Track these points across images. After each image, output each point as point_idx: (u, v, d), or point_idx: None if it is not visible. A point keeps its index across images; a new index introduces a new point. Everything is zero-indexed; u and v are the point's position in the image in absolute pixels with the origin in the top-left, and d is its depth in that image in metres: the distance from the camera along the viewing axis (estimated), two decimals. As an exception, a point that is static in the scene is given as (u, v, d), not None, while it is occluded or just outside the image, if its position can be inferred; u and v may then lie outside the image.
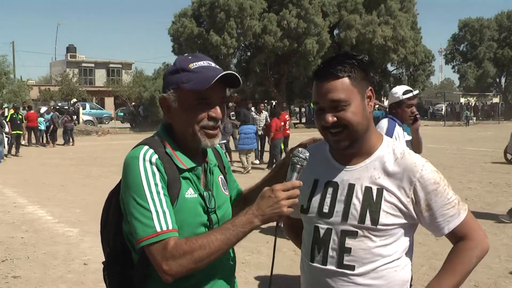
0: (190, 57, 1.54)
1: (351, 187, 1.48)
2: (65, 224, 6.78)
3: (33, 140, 19.85)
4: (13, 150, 16.44)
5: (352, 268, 1.47)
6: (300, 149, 1.47)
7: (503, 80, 51.67)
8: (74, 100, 34.54)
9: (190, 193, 1.49)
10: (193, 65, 1.49)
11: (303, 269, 1.61)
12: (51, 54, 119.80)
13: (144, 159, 1.44)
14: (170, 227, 1.39)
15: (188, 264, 1.36)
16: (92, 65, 49.46)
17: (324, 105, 1.44)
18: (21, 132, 17.12)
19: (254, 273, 4.69)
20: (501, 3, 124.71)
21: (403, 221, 1.47)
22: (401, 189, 1.46)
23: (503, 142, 20.01)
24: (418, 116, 3.69)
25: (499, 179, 10.40)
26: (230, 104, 16.42)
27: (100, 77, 48.75)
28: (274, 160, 11.88)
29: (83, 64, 48.68)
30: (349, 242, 1.47)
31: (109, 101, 43.22)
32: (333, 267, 1.49)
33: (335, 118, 1.43)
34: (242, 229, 1.37)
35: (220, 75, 1.45)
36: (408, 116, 3.63)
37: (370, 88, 1.50)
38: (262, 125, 13.36)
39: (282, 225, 1.42)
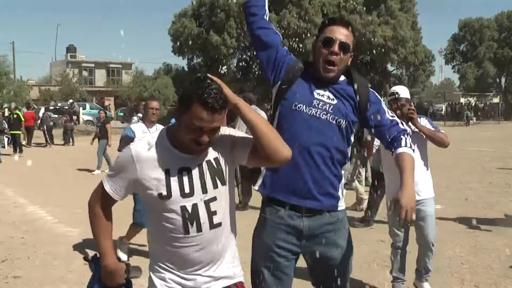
0: None
1: (200, 167, 1.85)
2: (66, 224, 6.77)
3: (32, 140, 19.85)
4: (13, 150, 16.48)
5: (220, 225, 1.88)
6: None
7: (503, 80, 51.63)
8: (71, 101, 34.51)
9: None
10: None
11: (172, 245, 1.86)
12: (51, 54, 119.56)
13: None
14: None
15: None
16: (92, 65, 49.37)
17: (207, 129, 1.73)
18: (18, 132, 16.91)
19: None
20: (501, 3, 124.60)
21: (232, 171, 1.93)
22: (220, 152, 1.89)
23: (503, 142, 20.06)
24: (411, 115, 3.71)
25: (499, 179, 10.40)
26: None
27: (100, 77, 48.73)
28: None
29: (83, 64, 48.60)
30: (213, 206, 1.85)
31: (109, 101, 43.18)
32: (207, 230, 1.85)
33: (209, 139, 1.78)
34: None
35: None
36: (400, 115, 3.63)
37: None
38: None
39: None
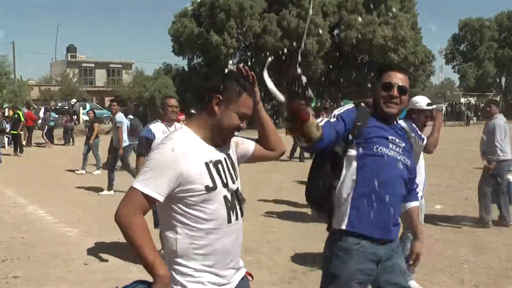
0: None
1: (225, 159, 2.01)
2: (65, 224, 6.78)
3: (32, 140, 19.85)
4: (14, 150, 16.48)
5: (243, 213, 2.05)
6: None
7: (503, 80, 51.65)
8: (74, 100, 34.49)
9: None
10: None
11: (212, 238, 1.91)
12: (51, 54, 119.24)
13: None
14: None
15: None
16: (92, 65, 49.42)
17: (248, 115, 2.02)
18: (15, 132, 16.76)
19: (254, 273, 4.67)
20: (501, 3, 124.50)
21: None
22: (231, 148, 2.12)
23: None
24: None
25: (499, 179, 10.36)
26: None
27: (100, 77, 48.74)
28: None
29: (83, 64, 48.63)
30: (240, 196, 2.03)
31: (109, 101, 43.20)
32: (240, 217, 2.02)
33: None
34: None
35: None
36: (424, 123, 4.30)
37: None
38: None
39: None
